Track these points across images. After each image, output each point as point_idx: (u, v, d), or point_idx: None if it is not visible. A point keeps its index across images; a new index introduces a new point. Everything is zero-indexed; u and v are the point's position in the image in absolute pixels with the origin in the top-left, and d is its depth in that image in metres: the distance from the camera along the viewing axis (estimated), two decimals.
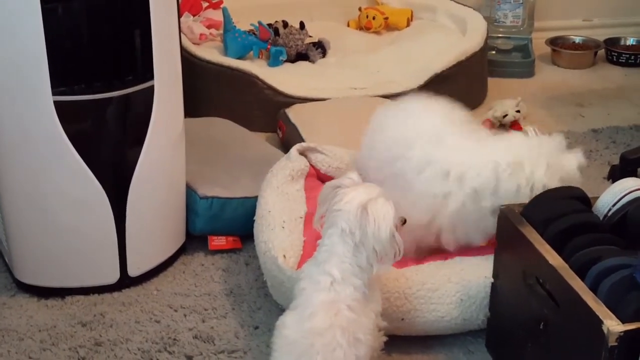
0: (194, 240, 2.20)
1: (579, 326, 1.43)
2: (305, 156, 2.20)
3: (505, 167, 1.80)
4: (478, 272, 1.80)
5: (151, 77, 1.89)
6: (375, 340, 1.63)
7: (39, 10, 1.71)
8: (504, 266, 1.71)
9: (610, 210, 1.66)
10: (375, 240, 1.55)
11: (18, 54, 1.76)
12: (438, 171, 1.86)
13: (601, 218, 1.67)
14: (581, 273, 1.47)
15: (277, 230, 1.93)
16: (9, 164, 1.88)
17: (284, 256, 1.85)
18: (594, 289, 1.43)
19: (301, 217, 2.01)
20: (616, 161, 2.57)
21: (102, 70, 1.84)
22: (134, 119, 1.91)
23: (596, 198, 1.72)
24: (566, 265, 1.49)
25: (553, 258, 1.51)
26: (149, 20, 1.84)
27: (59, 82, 1.78)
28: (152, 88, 1.90)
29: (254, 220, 2.03)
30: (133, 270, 2.03)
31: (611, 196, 1.68)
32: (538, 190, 1.76)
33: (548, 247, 1.55)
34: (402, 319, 1.78)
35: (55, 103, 1.79)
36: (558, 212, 1.61)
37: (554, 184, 1.78)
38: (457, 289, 1.79)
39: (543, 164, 1.81)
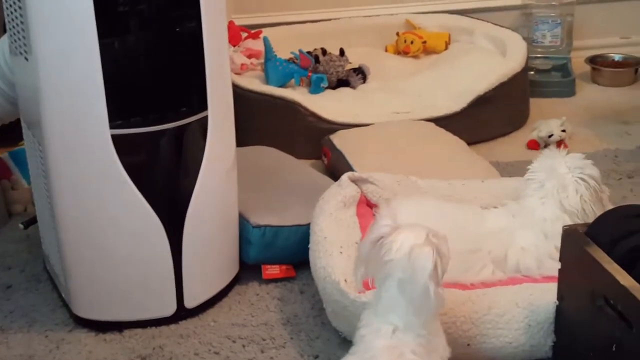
0: (247, 270, 2.19)
1: None
2: (356, 184, 2.19)
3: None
4: (547, 297, 1.76)
5: (205, 108, 1.90)
6: None
7: (96, 45, 1.73)
8: (569, 288, 1.68)
9: None
10: (411, 289, 1.49)
11: (77, 90, 1.77)
12: None
13: None
14: None
15: (335, 256, 1.91)
16: (66, 197, 1.89)
17: (345, 280, 1.84)
18: None
19: (357, 243, 2.00)
20: None
21: (158, 102, 1.84)
22: (189, 150, 1.92)
23: None
24: (638, 285, 1.46)
25: (624, 278, 1.49)
26: (203, 52, 1.85)
27: (116, 116, 1.79)
28: (206, 118, 1.91)
29: (309, 248, 2.03)
30: (190, 302, 2.02)
31: None
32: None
33: (617, 266, 1.52)
34: (468, 345, 1.75)
35: (113, 137, 1.80)
36: (624, 230, 1.59)
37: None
38: (525, 314, 1.76)
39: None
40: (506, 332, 1.76)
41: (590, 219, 1.88)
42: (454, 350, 1.68)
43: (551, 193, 1.96)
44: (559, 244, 1.70)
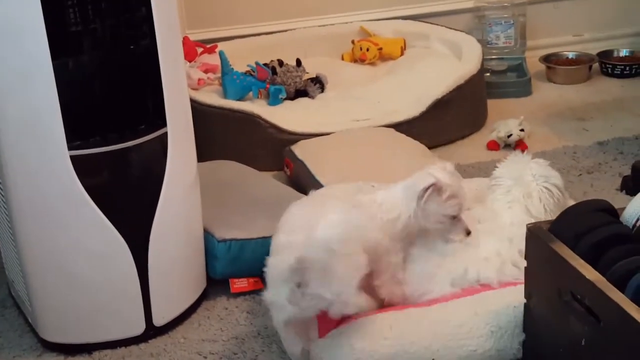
0: (215, 285, 2.18)
1: (623, 339, 1.42)
2: None
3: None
4: (507, 300, 1.79)
5: (164, 125, 1.89)
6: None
7: (50, 66, 1.71)
8: (536, 285, 1.70)
9: (638, 219, 1.65)
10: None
11: (32, 112, 1.76)
12: None
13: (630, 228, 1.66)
14: (620, 285, 1.45)
15: None
16: (28, 222, 1.87)
17: None
18: (635, 300, 1.41)
19: None
20: (626, 172, 2.59)
21: (116, 121, 1.84)
22: (150, 167, 1.91)
23: (622, 209, 1.71)
24: (604, 279, 1.48)
25: (589, 272, 1.50)
26: (158, 69, 1.85)
27: (74, 137, 1.79)
28: (165, 135, 1.90)
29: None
30: (158, 320, 2.01)
31: (638, 205, 1.66)
32: None
33: (582, 261, 1.53)
34: (433, 359, 1.76)
35: (72, 157, 1.79)
36: (588, 225, 1.60)
37: None
38: (486, 321, 1.78)
39: None
40: (469, 341, 1.76)
41: None
42: None
43: (517, 199, 1.97)
44: (523, 247, 1.72)
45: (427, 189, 1.82)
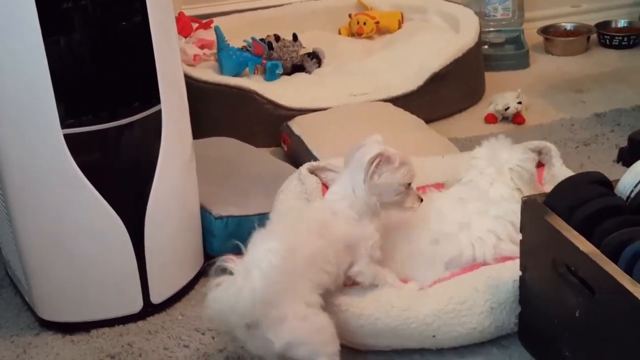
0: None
1: (617, 310, 1.42)
2: (316, 175, 2.17)
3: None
4: (505, 276, 1.79)
5: (158, 102, 1.89)
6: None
7: (41, 44, 1.70)
8: (531, 258, 1.70)
9: (632, 191, 1.65)
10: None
11: (24, 91, 1.75)
12: None
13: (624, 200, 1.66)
14: (614, 257, 1.45)
15: None
16: (23, 202, 1.87)
17: None
18: (629, 271, 1.41)
19: None
20: (623, 144, 2.59)
21: (108, 99, 1.82)
22: (145, 145, 1.90)
23: (616, 181, 1.71)
24: (598, 251, 1.48)
25: (583, 244, 1.50)
26: (151, 45, 1.83)
27: (67, 115, 1.78)
28: (159, 112, 1.89)
29: None
30: (156, 298, 2.02)
31: (633, 177, 1.66)
32: None
33: (576, 233, 1.53)
34: (434, 336, 1.77)
35: (66, 136, 1.78)
36: (582, 197, 1.60)
37: None
38: (486, 297, 1.78)
39: None
40: (469, 318, 1.77)
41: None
42: (420, 343, 1.75)
43: (491, 176, 1.96)
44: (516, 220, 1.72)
45: (373, 160, 1.74)
